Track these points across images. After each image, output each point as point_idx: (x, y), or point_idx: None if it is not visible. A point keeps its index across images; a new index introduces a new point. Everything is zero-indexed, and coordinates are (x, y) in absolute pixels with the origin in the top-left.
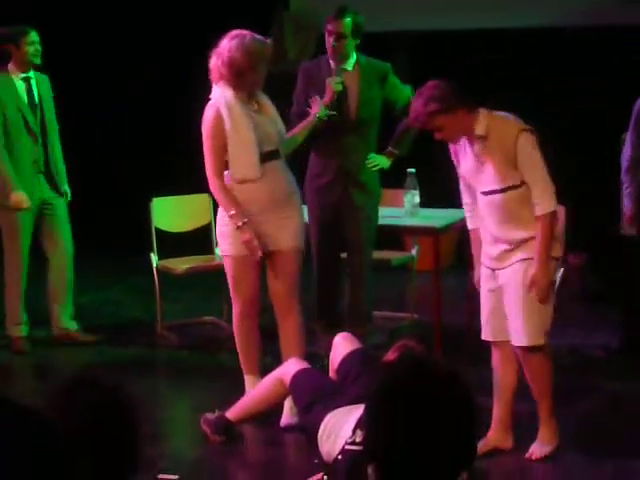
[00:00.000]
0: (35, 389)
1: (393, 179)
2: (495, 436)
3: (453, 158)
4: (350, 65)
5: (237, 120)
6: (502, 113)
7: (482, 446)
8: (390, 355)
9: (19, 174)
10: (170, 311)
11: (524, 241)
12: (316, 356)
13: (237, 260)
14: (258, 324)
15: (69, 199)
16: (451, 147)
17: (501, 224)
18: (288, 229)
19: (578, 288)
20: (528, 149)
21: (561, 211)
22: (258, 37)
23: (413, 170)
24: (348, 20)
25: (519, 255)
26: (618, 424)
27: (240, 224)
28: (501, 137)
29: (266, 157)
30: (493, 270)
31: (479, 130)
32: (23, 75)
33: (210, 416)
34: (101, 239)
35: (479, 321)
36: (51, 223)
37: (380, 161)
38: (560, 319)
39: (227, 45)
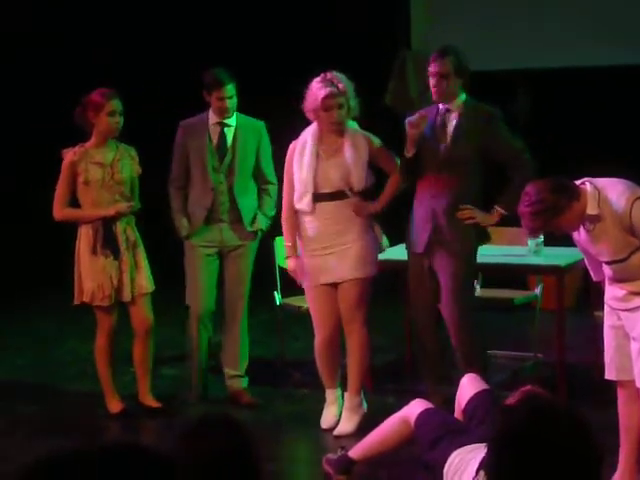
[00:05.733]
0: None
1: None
2: (622, 478)
3: None
4: (455, 105)
5: (302, 159)
6: (610, 182)
7: None
8: (511, 399)
9: (195, 216)
10: (292, 349)
11: None
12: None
13: (308, 290)
14: (338, 349)
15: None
16: None
17: (626, 281)
18: (347, 259)
19: None
20: None
21: None
22: (329, 78)
23: None
24: (449, 59)
25: None
26: None
27: (289, 254)
28: (613, 211)
29: (319, 197)
30: (616, 309)
31: (591, 210)
32: (218, 120)
33: (333, 456)
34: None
35: (604, 361)
36: (231, 265)
37: (480, 218)
38: None
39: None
